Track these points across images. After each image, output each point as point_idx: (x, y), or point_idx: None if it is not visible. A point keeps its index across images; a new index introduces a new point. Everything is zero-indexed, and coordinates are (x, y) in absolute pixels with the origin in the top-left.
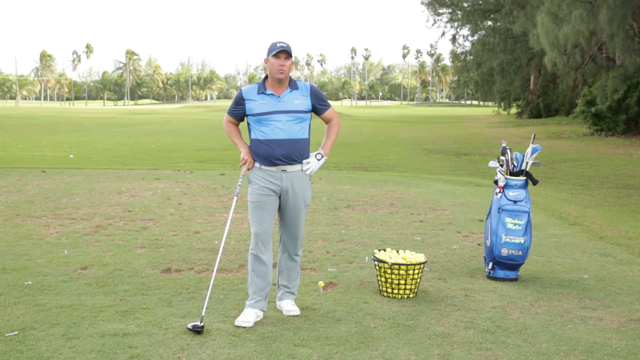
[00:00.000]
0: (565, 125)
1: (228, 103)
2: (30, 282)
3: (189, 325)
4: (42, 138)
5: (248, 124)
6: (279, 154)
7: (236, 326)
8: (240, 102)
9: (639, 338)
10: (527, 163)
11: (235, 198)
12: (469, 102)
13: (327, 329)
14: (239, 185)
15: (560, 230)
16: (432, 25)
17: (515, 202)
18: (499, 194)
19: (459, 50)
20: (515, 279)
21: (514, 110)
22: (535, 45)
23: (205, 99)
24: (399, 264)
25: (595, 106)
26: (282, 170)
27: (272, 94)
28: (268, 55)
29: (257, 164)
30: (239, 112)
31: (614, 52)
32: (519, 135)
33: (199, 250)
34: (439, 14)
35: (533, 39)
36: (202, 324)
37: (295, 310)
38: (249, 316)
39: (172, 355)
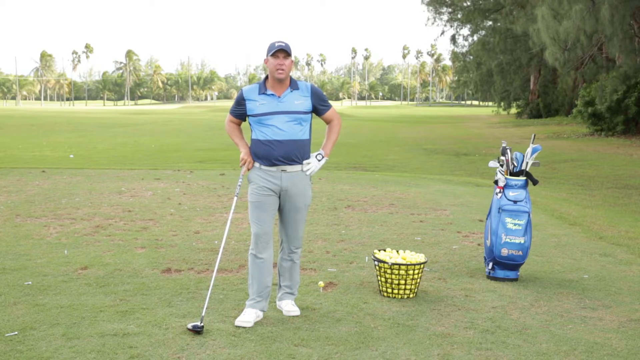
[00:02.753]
0: (565, 126)
1: (228, 103)
2: (30, 282)
3: (189, 326)
4: (42, 138)
5: (250, 124)
6: (278, 154)
7: (236, 326)
8: (241, 102)
9: (639, 338)
10: (527, 163)
11: (235, 198)
12: (469, 102)
13: (327, 329)
14: (239, 186)
15: (560, 230)
16: (432, 24)
17: (515, 202)
18: (499, 194)
19: (458, 51)
20: (515, 279)
21: (513, 110)
22: (536, 40)
23: (205, 99)
24: (399, 264)
25: (594, 106)
26: (282, 170)
27: (273, 94)
28: (267, 54)
29: (257, 164)
30: (240, 112)
31: (613, 53)
32: (519, 135)
33: (199, 250)
34: (439, 13)
35: (534, 33)
36: (202, 324)
37: (295, 311)
38: (249, 316)
39: (172, 355)
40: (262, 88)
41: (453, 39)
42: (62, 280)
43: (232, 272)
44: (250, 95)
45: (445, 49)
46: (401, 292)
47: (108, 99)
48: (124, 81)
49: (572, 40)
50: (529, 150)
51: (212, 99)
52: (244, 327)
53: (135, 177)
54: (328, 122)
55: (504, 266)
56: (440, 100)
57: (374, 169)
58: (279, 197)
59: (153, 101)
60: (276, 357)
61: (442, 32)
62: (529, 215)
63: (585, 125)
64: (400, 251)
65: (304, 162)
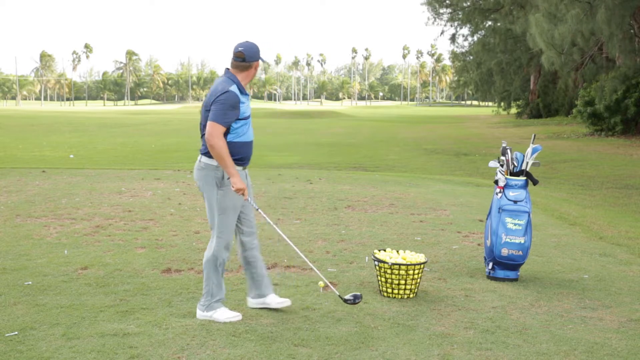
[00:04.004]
0: (565, 126)
1: None
2: (30, 282)
3: (350, 297)
4: (42, 138)
5: (229, 127)
6: (251, 154)
7: (230, 322)
8: (237, 105)
9: (639, 338)
10: (527, 163)
11: (259, 210)
12: (469, 102)
13: (327, 329)
14: (250, 200)
15: (560, 230)
16: (433, 24)
17: (515, 202)
18: (499, 194)
19: (458, 51)
20: (515, 279)
21: (513, 110)
22: (533, 45)
23: None
24: (399, 264)
25: (594, 106)
26: (244, 169)
27: (248, 94)
28: (259, 59)
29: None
30: (234, 119)
31: (613, 53)
32: (519, 135)
33: (199, 250)
34: (439, 14)
35: (530, 39)
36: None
37: (285, 301)
38: (229, 312)
39: (172, 355)
40: (242, 88)
41: (453, 39)
42: (62, 280)
43: (232, 272)
44: (240, 97)
45: (445, 49)
46: (401, 292)
47: (108, 99)
48: (124, 81)
49: (569, 44)
50: (529, 150)
51: None
52: (238, 320)
53: (135, 177)
54: None
55: (504, 266)
56: (440, 100)
57: (374, 169)
58: None
59: (153, 101)
60: (276, 357)
61: (442, 32)
62: (529, 215)
63: (585, 125)
64: (400, 251)
65: None
